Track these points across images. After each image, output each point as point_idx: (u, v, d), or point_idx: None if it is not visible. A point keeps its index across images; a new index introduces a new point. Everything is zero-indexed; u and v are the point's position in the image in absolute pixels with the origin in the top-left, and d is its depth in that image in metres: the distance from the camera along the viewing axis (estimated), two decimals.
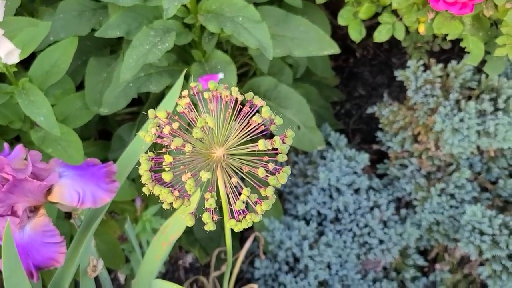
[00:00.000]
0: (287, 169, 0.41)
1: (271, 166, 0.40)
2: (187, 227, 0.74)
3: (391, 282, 0.90)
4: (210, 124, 0.39)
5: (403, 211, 0.92)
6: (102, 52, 0.93)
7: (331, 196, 0.92)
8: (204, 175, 0.39)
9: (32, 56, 0.78)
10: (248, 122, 0.41)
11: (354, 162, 0.92)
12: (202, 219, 0.41)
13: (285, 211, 0.98)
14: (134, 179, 0.97)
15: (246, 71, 1.04)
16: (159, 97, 0.98)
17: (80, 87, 0.90)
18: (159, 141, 0.41)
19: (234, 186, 0.41)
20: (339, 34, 1.23)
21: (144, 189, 0.41)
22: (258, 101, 0.42)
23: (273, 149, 0.41)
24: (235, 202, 0.41)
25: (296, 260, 0.92)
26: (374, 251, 0.89)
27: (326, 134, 0.99)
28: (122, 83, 0.83)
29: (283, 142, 0.41)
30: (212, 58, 0.86)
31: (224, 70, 0.84)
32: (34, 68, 0.78)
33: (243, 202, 0.40)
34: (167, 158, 0.40)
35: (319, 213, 0.93)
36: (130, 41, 0.79)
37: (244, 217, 0.41)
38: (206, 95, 0.42)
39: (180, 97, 0.42)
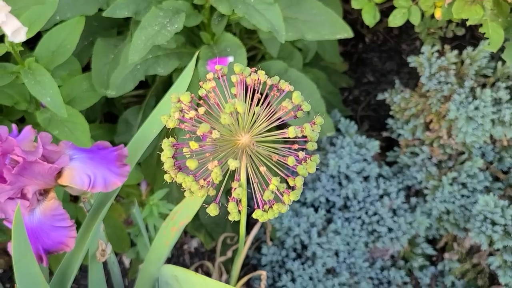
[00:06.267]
0: (316, 158, 0.39)
1: (301, 154, 0.38)
2: None
3: (399, 271, 0.89)
4: (239, 110, 0.36)
5: (413, 200, 0.91)
6: (109, 33, 0.91)
7: (340, 183, 0.91)
8: (232, 164, 0.37)
9: (38, 36, 0.76)
10: (274, 108, 0.39)
11: (364, 149, 0.90)
12: (228, 209, 0.39)
13: None
14: (140, 163, 0.96)
15: (254, 55, 1.01)
16: (166, 80, 0.96)
17: (86, 68, 0.88)
18: (181, 126, 0.39)
19: (261, 174, 0.39)
20: (348, 18, 1.21)
21: (166, 177, 0.39)
22: (286, 86, 0.39)
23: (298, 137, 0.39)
24: (261, 192, 0.38)
25: (304, 247, 0.91)
26: (383, 239, 0.88)
27: (336, 120, 0.97)
28: (130, 65, 0.81)
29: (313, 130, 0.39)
30: (222, 41, 0.84)
31: (234, 54, 0.82)
32: (40, 48, 0.76)
33: (272, 192, 0.38)
34: (193, 145, 0.38)
35: (327, 200, 0.92)
36: (139, 22, 0.77)
37: (271, 207, 0.39)
38: (233, 78, 0.39)
39: (204, 80, 0.40)
